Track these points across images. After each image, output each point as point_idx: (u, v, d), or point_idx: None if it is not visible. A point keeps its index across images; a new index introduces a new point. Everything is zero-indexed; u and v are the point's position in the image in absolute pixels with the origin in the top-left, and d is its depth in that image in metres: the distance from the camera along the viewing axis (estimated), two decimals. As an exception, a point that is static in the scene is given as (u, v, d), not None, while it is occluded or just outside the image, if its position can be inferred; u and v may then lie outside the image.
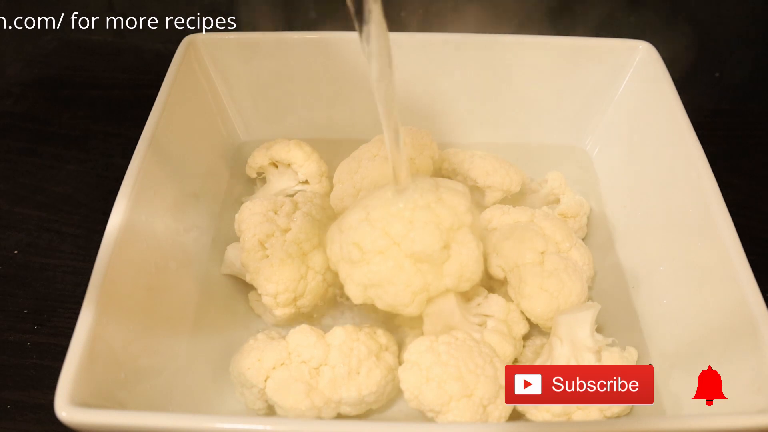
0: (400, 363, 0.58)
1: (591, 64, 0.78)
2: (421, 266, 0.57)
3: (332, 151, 0.77)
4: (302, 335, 0.58)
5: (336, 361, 0.56)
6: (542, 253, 0.62)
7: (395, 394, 0.59)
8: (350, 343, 0.57)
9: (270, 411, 0.58)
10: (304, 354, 0.57)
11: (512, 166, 0.72)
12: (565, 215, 0.71)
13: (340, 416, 0.57)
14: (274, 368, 0.57)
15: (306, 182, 0.75)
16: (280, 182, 0.76)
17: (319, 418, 0.56)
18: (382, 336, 0.60)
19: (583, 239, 0.73)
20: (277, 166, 0.76)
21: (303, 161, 0.74)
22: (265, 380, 0.57)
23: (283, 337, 0.59)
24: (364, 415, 0.59)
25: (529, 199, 0.75)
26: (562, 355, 0.57)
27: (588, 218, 0.74)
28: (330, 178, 0.75)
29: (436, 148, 0.72)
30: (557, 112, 0.82)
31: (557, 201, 0.75)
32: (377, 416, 0.59)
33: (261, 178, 0.78)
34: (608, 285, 0.69)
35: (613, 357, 0.57)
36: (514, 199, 0.74)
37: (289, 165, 0.75)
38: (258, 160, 0.76)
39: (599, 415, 0.55)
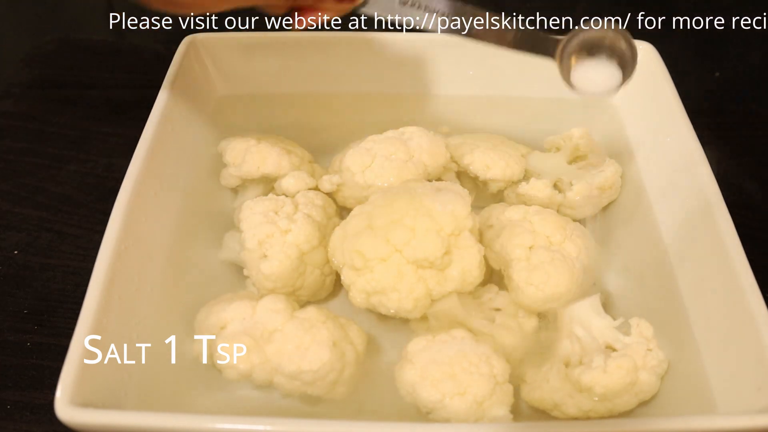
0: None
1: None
2: (424, 273, 0.58)
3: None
4: (272, 299, 0.58)
5: (291, 331, 0.56)
6: (530, 248, 0.63)
7: (347, 392, 0.58)
8: (314, 322, 0.57)
9: (209, 362, 0.57)
10: (264, 317, 0.57)
11: (511, 156, 0.72)
12: (603, 188, 0.71)
13: (272, 386, 0.56)
14: (232, 321, 0.58)
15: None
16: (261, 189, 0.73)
17: (250, 375, 0.55)
18: (354, 331, 0.60)
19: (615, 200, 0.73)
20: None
21: (276, 174, 0.70)
22: (221, 329, 0.57)
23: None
24: (301, 399, 0.58)
25: (553, 158, 0.74)
26: (586, 338, 0.59)
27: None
28: (310, 162, 0.74)
29: (450, 158, 0.73)
30: (555, 119, 0.81)
31: (584, 157, 0.74)
32: (375, 413, 0.59)
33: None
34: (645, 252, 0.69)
35: (642, 326, 0.60)
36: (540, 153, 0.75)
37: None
38: (230, 181, 0.73)
39: (633, 399, 0.56)
